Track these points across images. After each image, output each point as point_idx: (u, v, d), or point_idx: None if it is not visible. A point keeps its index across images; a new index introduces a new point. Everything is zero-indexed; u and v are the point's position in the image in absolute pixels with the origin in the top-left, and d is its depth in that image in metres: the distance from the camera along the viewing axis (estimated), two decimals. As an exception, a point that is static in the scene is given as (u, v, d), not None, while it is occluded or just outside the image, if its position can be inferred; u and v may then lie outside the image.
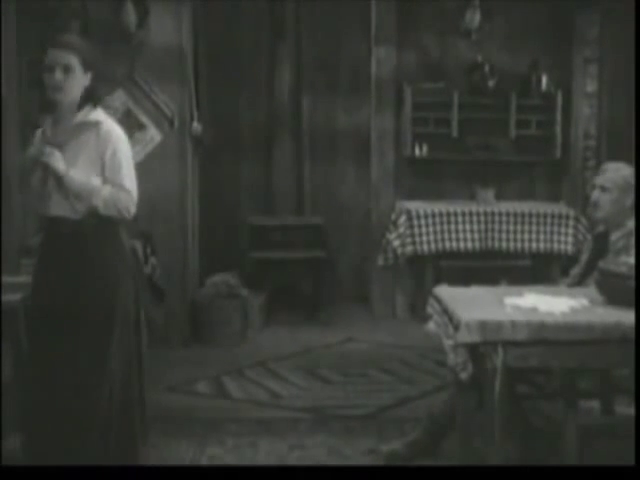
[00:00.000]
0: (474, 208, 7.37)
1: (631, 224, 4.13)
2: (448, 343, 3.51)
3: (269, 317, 7.41)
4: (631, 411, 3.70)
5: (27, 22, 5.81)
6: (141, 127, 6.42)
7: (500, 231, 7.33)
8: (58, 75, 3.51)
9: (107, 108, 6.01)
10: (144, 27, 6.36)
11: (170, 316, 6.40)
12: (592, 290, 3.78)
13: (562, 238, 7.33)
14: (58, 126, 3.61)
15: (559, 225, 7.35)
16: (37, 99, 3.71)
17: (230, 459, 4.26)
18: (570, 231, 7.33)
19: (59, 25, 5.90)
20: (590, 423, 3.81)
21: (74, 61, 3.54)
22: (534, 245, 7.36)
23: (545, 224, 7.35)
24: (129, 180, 3.62)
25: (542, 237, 7.35)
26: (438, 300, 3.85)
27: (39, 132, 3.65)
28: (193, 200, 6.87)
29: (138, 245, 5.19)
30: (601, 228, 4.38)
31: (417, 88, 7.62)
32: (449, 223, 7.30)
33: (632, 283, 3.47)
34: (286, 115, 8.23)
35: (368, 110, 7.90)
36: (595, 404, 4.18)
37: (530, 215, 7.36)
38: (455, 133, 7.64)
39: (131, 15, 6.27)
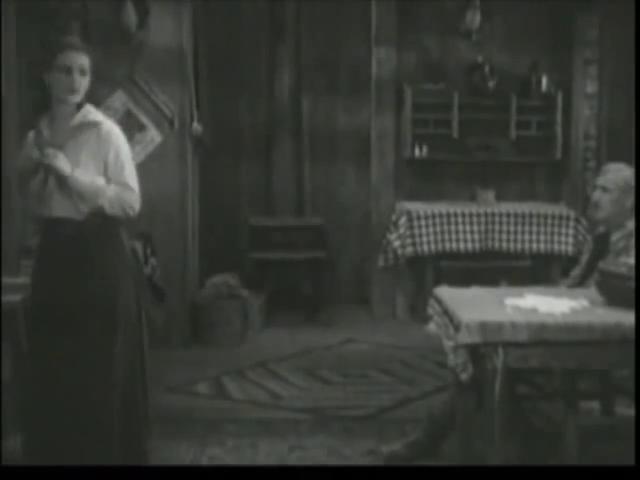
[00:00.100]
0: (474, 209, 7.37)
1: (631, 225, 4.13)
2: (448, 344, 3.52)
3: (269, 318, 7.41)
4: (631, 412, 3.70)
5: (27, 22, 5.81)
6: (141, 128, 6.42)
7: (500, 232, 7.33)
8: (77, 77, 3.54)
9: (107, 109, 6.07)
10: (144, 28, 6.36)
11: (170, 317, 6.40)
12: (592, 291, 3.78)
13: (562, 239, 7.33)
14: (56, 127, 3.61)
15: (559, 226, 7.35)
16: (33, 99, 3.69)
17: (230, 460, 4.25)
18: (570, 232, 7.33)
19: (59, 26, 5.91)
20: (590, 424, 3.82)
21: (88, 63, 3.58)
22: (534, 246, 7.36)
23: (545, 225, 7.35)
24: (132, 179, 3.66)
25: (542, 238, 7.35)
26: (438, 301, 3.85)
27: (31, 133, 3.64)
28: (193, 200, 6.87)
29: (138, 246, 5.20)
30: (601, 229, 4.38)
31: (417, 89, 7.61)
32: (449, 224, 7.30)
33: (632, 284, 3.47)
34: (286, 116, 8.23)
35: (368, 111, 7.90)
36: (595, 405, 4.18)
37: (530, 216, 7.36)
38: (455, 134, 7.64)
39: (131, 16, 6.27)
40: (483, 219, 7.32)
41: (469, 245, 7.31)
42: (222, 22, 7.80)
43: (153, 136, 6.45)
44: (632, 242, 4.05)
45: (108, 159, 3.60)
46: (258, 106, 8.20)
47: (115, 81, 6.30)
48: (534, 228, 7.35)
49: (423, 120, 7.66)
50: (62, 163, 3.50)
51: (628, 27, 6.69)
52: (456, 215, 7.31)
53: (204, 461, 4.23)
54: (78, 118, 3.61)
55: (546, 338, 3.32)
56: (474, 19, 7.37)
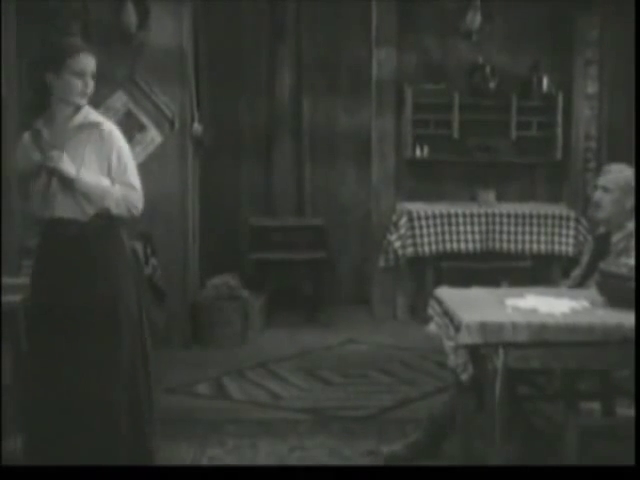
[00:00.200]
0: (475, 209, 7.37)
1: (631, 226, 4.13)
2: (449, 344, 3.51)
3: (269, 318, 7.41)
4: (631, 412, 3.69)
5: (27, 23, 5.81)
6: (142, 128, 6.42)
7: (501, 232, 7.33)
8: (89, 81, 3.58)
9: (108, 109, 6.08)
10: (144, 28, 6.36)
11: (171, 317, 6.39)
12: (593, 291, 3.78)
13: (563, 239, 7.33)
14: (55, 128, 3.60)
15: (560, 226, 7.35)
16: (32, 99, 3.68)
17: (230, 460, 4.25)
18: (571, 232, 7.33)
19: (59, 26, 5.91)
20: (591, 424, 3.81)
21: (95, 66, 3.61)
22: (535, 246, 7.36)
23: (546, 225, 7.36)
24: (135, 178, 3.68)
25: (543, 238, 7.35)
26: (439, 301, 3.84)
27: (27, 134, 3.63)
28: (193, 201, 6.87)
29: (138, 246, 5.20)
30: (602, 229, 4.38)
31: (418, 89, 7.61)
32: (450, 224, 7.30)
33: (632, 285, 3.47)
34: (286, 116, 8.23)
35: (369, 111, 7.90)
36: (596, 405, 4.18)
37: (531, 216, 7.36)
38: (456, 134, 7.64)
39: (132, 16, 6.26)
40: (484, 219, 7.32)
41: (470, 245, 7.31)
42: (222, 22, 7.81)
43: (153, 136, 6.44)
44: (632, 243, 4.05)
45: (111, 159, 3.61)
46: (258, 106, 8.20)
47: (115, 81, 6.30)
48: (534, 229, 7.35)
49: (424, 121, 7.66)
50: (67, 165, 3.50)
51: (628, 27, 6.69)
52: (457, 215, 7.32)
53: (204, 461, 4.23)
54: (78, 119, 3.61)
55: (546, 339, 3.32)
56: (475, 20, 7.36)
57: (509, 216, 7.34)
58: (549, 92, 7.71)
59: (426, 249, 7.29)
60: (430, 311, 3.94)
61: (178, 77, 6.50)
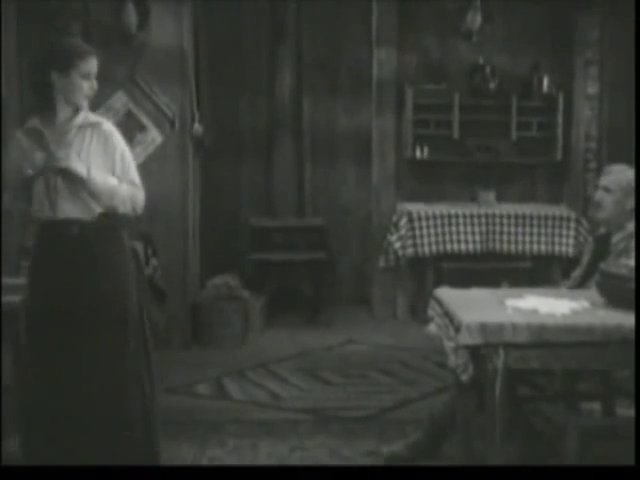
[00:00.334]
0: (475, 210, 7.37)
1: (631, 227, 4.13)
2: (449, 345, 3.51)
3: (270, 319, 7.41)
4: (632, 413, 3.69)
5: (27, 23, 5.81)
6: (142, 128, 6.42)
7: (501, 233, 7.33)
8: (94, 82, 3.60)
9: (108, 110, 6.08)
10: (145, 28, 6.36)
11: (171, 317, 6.40)
12: (593, 292, 3.78)
13: (563, 240, 7.33)
14: (56, 128, 3.60)
15: (560, 227, 7.35)
16: (33, 99, 3.67)
17: (231, 460, 4.25)
18: (571, 233, 7.33)
19: (60, 26, 5.91)
20: (591, 425, 3.81)
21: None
22: (535, 247, 7.36)
23: (546, 226, 7.36)
24: (137, 176, 3.70)
25: (543, 239, 7.35)
26: (439, 302, 3.84)
27: (22, 135, 3.61)
28: (194, 201, 6.87)
29: (139, 246, 5.20)
30: (602, 230, 4.38)
31: (418, 90, 7.61)
32: (450, 225, 7.30)
33: (632, 285, 3.47)
34: (287, 116, 8.23)
35: (369, 112, 7.90)
36: (596, 406, 4.18)
37: (531, 217, 7.36)
38: (456, 135, 7.64)
39: (132, 16, 6.26)
40: (484, 220, 7.33)
41: (470, 246, 7.31)
42: (222, 22, 7.80)
43: (154, 137, 6.44)
44: (632, 244, 4.05)
45: (115, 158, 3.63)
46: (259, 107, 8.20)
47: (116, 82, 6.29)
48: (535, 229, 7.36)
49: (424, 121, 7.66)
50: (79, 165, 3.51)
51: (629, 28, 6.70)
52: (457, 216, 7.32)
53: (205, 462, 4.23)
54: (79, 119, 3.61)
55: (547, 339, 3.32)
56: (475, 20, 7.37)
57: (509, 217, 7.35)
58: (549, 92, 7.71)
59: (426, 249, 7.29)
60: (430, 311, 3.94)
61: (178, 77, 6.50)
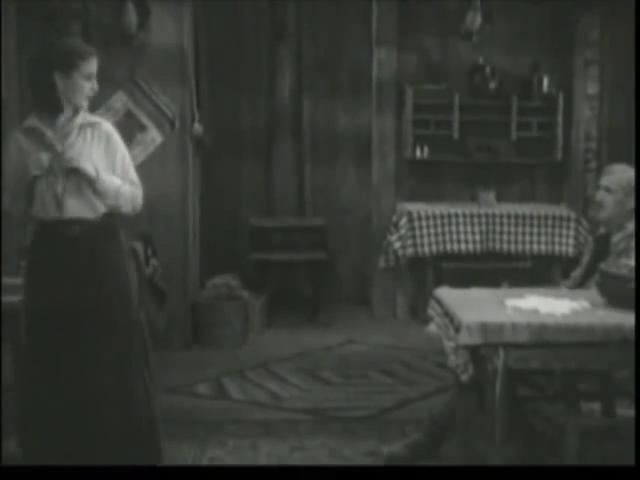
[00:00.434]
0: (475, 210, 7.37)
1: (631, 227, 4.14)
2: (449, 345, 3.51)
3: (270, 319, 7.41)
4: (632, 413, 3.69)
5: (27, 22, 5.81)
6: (142, 128, 6.41)
7: (501, 233, 7.33)
8: (95, 84, 3.62)
9: (108, 110, 6.08)
10: (145, 28, 6.35)
11: (171, 318, 6.40)
12: (593, 292, 3.78)
13: (563, 240, 7.33)
14: (57, 128, 3.60)
15: (560, 227, 7.35)
16: (34, 99, 3.67)
17: (231, 460, 4.25)
18: (571, 233, 7.33)
19: (60, 26, 5.90)
20: (591, 425, 3.81)
21: None
22: (535, 247, 7.36)
23: (546, 226, 7.36)
24: (135, 176, 3.73)
25: (543, 239, 7.35)
26: (439, 302, 3.84)
27: (21, 135, 3.60)
28: (194, 201, 6.86)
29: (139, 246, 5.19)
30: (602, 230, 4.38)
31: (418, 90, 7.61)
32: (450, 225, 7.30)
33: (632, 285, 3.47)
34: (287, 116, 8.22)
35: (369, 112, 7.90)
36: (596, 406, 4.18)
37: (531, 217, 7.36)
38: (456, 135, 7.64)
39: (132, 16, 6.26)
40: (484, 220, 7.32)
41: (470, 246, 7.31)
42: (222, 22, 7.80)
43: (154, 137, 6.44)
44: (632, 244, 4.05)
45: (116, 158, 3.65)
46: (259, 107, 8.20)
47: (116, 82, 6.29)
48: (535, 229, 7.35)
49: (424, 121, 7.66)
50: (88, 165, 3.51)
51: (629, 28, 6.69)
52: (457, 216, 7.32)
53: (204, 462, 4.23)
54: (80, 119, 3.61)
55: (547, 339, 3.32)
56: (475, 20, 7.36)
57: (509, 217, 7.34)
58: (549, 93, 7.71)
59: (426, 249, 7.29)
60: (430, 311, 3.94)
61: (178, 77, 6.49)
